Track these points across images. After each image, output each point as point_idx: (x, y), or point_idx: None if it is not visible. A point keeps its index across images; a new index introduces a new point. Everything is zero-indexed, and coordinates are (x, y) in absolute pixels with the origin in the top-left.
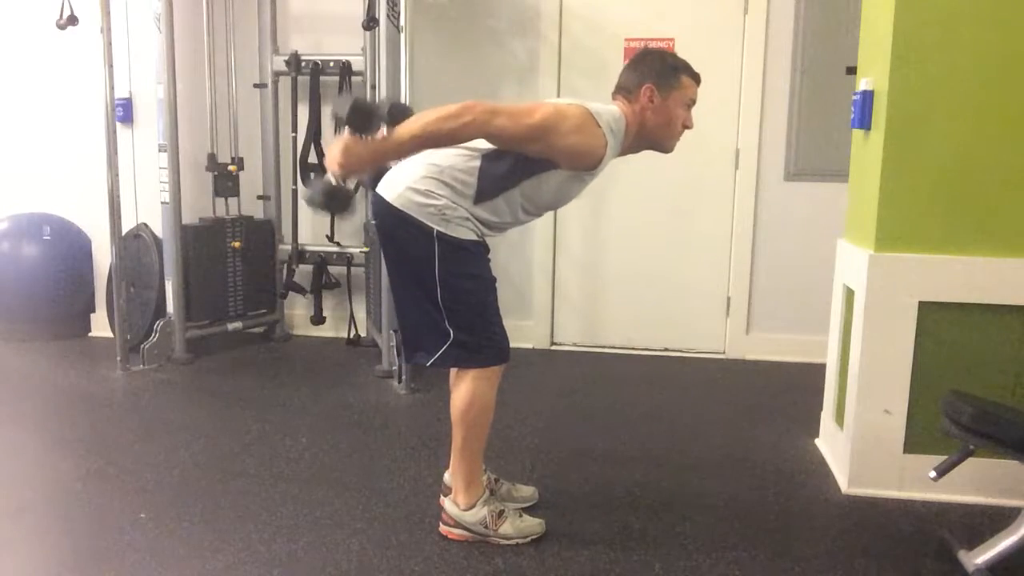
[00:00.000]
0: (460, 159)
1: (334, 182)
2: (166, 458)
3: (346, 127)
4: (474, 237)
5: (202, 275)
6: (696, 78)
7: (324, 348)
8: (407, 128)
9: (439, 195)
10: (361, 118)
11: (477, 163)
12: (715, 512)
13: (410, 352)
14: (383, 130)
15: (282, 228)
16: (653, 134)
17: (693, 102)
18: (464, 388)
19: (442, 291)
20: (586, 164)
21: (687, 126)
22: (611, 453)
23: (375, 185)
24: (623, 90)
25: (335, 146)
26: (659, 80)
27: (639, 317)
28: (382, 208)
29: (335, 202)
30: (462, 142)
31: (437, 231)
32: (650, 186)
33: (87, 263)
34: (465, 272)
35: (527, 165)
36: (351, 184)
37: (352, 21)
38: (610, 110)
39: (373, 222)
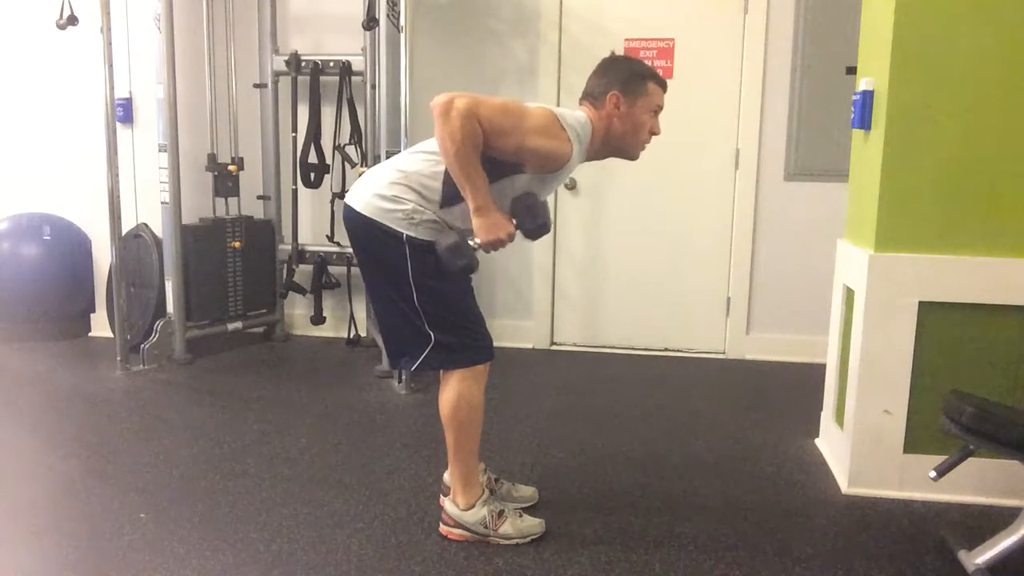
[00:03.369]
0: (426, 164)
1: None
2: (166, 458)
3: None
4: None
5: (202, 275)
6: (663, 85)
7: (324, 348)
8: (450, 167)
9: (406, 199)
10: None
11: (443, 168)
12: (715, 512)
13: (394, 358)
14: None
15: (282, 228)
16: (620, 141)
17: (660, 108)
18: (451, 389)
19: (418, 295)
20: (551, 166)
21: (654, 132)
22: (611, 453)
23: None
24: (589, 96)
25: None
26: (625, 87)
27: (639, 317)
28: (351, 217)
29: (472, 258)
30: (478, 137)
31: (407, 235)
32: (650, 186)
33: (87, 263)
34: (439, 274)
35: (493, 169)
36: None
37: (352, 21)
38: (576, 115)
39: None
